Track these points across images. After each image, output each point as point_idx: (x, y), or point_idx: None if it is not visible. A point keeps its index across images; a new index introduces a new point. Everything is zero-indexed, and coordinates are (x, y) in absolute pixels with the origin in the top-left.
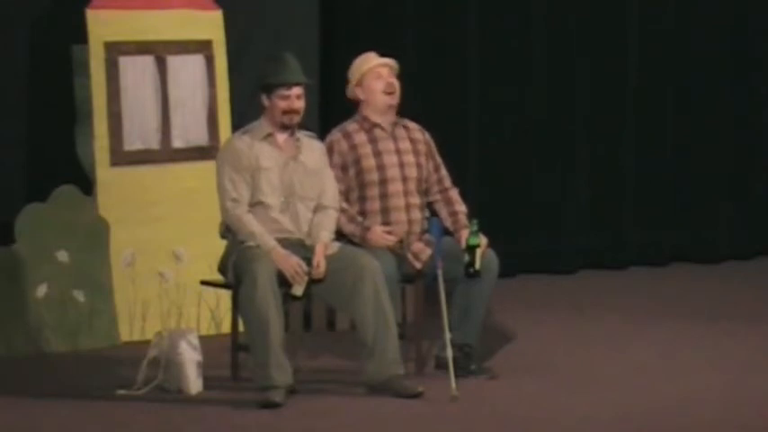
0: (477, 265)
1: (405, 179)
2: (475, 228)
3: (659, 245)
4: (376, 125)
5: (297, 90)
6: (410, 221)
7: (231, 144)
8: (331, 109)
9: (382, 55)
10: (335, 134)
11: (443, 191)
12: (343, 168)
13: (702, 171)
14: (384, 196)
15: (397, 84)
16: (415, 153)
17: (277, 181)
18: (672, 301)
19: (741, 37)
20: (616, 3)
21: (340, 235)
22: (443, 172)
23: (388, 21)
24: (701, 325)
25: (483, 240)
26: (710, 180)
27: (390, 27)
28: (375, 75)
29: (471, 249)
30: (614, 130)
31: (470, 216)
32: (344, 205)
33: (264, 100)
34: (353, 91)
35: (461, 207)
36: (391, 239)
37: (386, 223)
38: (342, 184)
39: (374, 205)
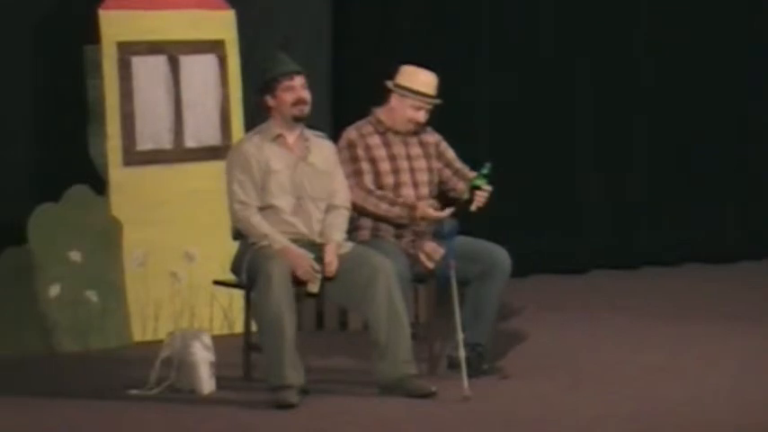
0: (473, 207)
1: (416, 185)
2: (485, 171)
3: (672, 245)
4: (389, 129)
5: (300, 79)
6: (423, 225)
7: (240, 147)
8: (343, 107)
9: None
10: (352, 132)
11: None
12: (371, 161)
13: (716, 171)
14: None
15: (426, 117)
16: (426, 157)
17: (287, 183)
18: (685, 302)
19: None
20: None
21: (350, 232)
22: (459, 164)
23: (401, 17)
24: (714, 325)
25: (487, 187)
26: (724, 180)
27: (403, 25)
28: (415, 106)
29: (473, 189)
30: (627, 129)
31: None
32: (379, 192)
33: (270, 100)
34: (390, 88)
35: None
36: (442, 214)
37: (400, 226)
38: (369, 175)
39: None
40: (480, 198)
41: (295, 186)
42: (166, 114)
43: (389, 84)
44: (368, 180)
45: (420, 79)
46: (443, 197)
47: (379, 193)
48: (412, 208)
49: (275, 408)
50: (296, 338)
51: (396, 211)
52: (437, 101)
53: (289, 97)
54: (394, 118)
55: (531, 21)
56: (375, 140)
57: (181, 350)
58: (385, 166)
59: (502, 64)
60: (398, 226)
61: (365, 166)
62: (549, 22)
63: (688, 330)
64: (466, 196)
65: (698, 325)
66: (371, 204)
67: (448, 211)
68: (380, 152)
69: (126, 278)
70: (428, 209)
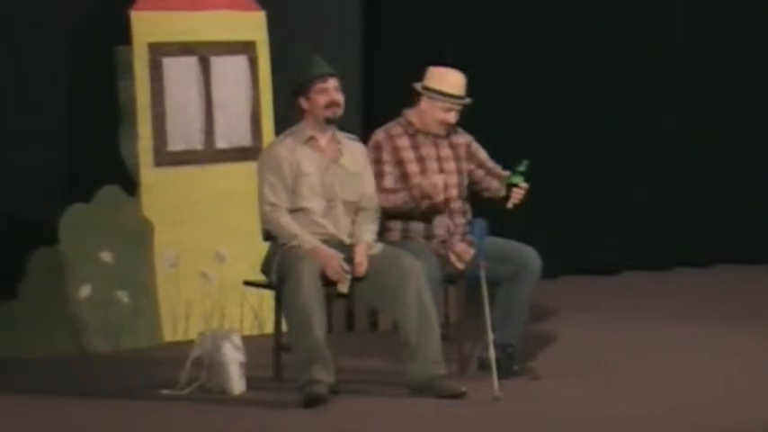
0: (510, 204)
1: (445, 186)
2: (522, 168)
3: (704, 246)
4: (419, 131)
5: (333, 82)
6: (453, 226)
7: (272, 149)
8: (373, 108)
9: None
10: (380, 134)
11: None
12: (396, 164)
13: (747, 171)
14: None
15: (456, 118)
16: (456, 159)
17: (318, 185)
18: (716, 303)
19: None
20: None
21: (380, 233)
22: (491, 164)
23: (432, 18)
24: (745, 326)
25: (524, 184)
26: (756, 180)
27: (433, 25)
28: (445, 108)
29: (510, 186)
30: (657, 129)
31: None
32: (388, 187)
33: (303, 102)
34: (419, 91)
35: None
36: (435, 180)
37: (429, 227)
38: (391, 176)
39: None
40: (517, 195)
41: (326, 189)
42: (197, 115)
43: (418, 86)
44: (388, 182)
45: (449, 80)
46: (478, 197)
47: (388, 188)
48: (410, 188)
49: (304, 403)
50: (326, 338)
51: (401, 197)
52: (467, 101)
53: (322, 99)
54: (425, 120)
55: (563, 21)
56: (404, 142)
57: (211, 350)
58: (413, 167)
59: (531, 64)
60: (428, 226)
61: (387, 168)
62: (582, 22)
63: (721, 332)
64: (502, 194)
65: (731, 326)
66: (383, 200)
67: (441, 177)
68: (409, 154)
69: (157, 279)
70: (422, 182)
